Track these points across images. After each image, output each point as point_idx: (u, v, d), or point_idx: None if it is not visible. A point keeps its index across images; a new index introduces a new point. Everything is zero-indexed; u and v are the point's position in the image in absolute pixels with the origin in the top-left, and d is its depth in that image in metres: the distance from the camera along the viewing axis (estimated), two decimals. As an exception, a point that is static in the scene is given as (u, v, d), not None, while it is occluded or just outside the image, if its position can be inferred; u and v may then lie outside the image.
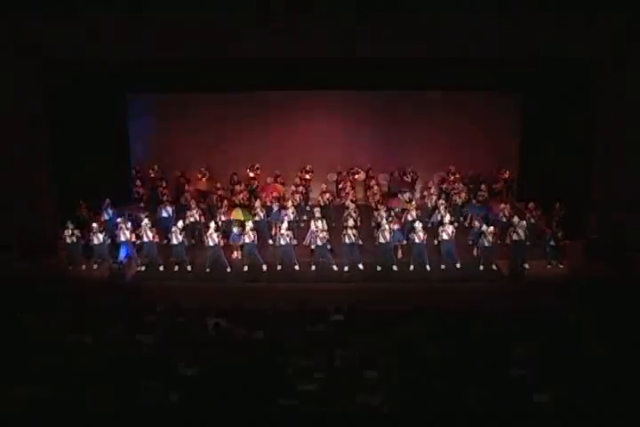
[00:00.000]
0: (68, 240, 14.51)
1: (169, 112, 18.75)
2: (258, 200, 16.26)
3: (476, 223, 14.89)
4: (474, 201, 16.68)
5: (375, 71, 15.87)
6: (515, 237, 14.17)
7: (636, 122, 14.36)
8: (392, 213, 15.40)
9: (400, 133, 18.98)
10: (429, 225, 15.61)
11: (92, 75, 15.58)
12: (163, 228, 15.25)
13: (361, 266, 14.46)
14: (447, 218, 14.74)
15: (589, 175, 15.32)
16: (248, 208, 16.10)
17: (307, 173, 18.30)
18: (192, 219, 15.46)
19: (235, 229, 14.64)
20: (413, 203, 15.92)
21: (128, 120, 18.62)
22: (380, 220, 15.02)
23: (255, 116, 18.77)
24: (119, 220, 14.91)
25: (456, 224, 15.45)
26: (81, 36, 14.08)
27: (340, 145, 18.99)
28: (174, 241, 14.39)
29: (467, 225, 16.32)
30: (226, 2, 13.66)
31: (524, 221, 14.41)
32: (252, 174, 18.33)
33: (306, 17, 13.87)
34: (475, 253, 14.81)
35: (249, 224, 14.51)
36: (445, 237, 14.42)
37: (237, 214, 15.47)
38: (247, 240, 14.34)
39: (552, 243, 14.57)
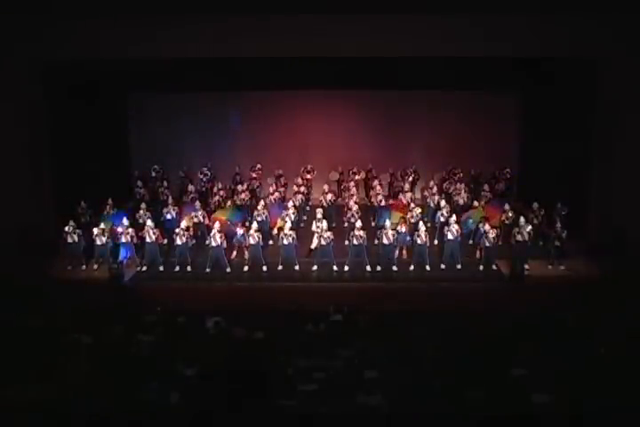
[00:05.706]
0: (69, 240, 14.50)
1: (169, 112, 18.76)
2: (261, 201, 16.25)
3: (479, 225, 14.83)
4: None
5: (375, 71, 15.90)
6: (519, 237, 14.15)
7: (636, 122, 14.35)
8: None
9: (401, 133, 18.99)
10: (436, 225, 15.56)
11: (92, 75, 15.59)
12: (167, 230, 15.25)
13: (368, 267, 14.37)
14: (453, 218, 14.69)
15: (589, 175, 15.32)
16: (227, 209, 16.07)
17: (308, 172, 18.29)
18: (196, 219, 15.47)
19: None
20: (417, 209, 15.77)
21: (128, 120, 18.64)
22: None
23: (256, 115, 18.79)
24: (121, 225, 14.81)
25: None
26: (81, 36, 14.10)
27: (340, 145, 18.98)
28: (178, 242, 14.41)
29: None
30: (226, 2, 13.68)
31: (530, 225, 14.36)
32: (254, 175, 18.33)
33: (306, 16, 13.88)
34: (477, 254, 14.81)
35: (254, 226, 14.52)
36: (451, 236, 14.34)
37: (221, 214, 15.50)
38: (252, 242, 14.34)
39: (557, 243, 14.47)
